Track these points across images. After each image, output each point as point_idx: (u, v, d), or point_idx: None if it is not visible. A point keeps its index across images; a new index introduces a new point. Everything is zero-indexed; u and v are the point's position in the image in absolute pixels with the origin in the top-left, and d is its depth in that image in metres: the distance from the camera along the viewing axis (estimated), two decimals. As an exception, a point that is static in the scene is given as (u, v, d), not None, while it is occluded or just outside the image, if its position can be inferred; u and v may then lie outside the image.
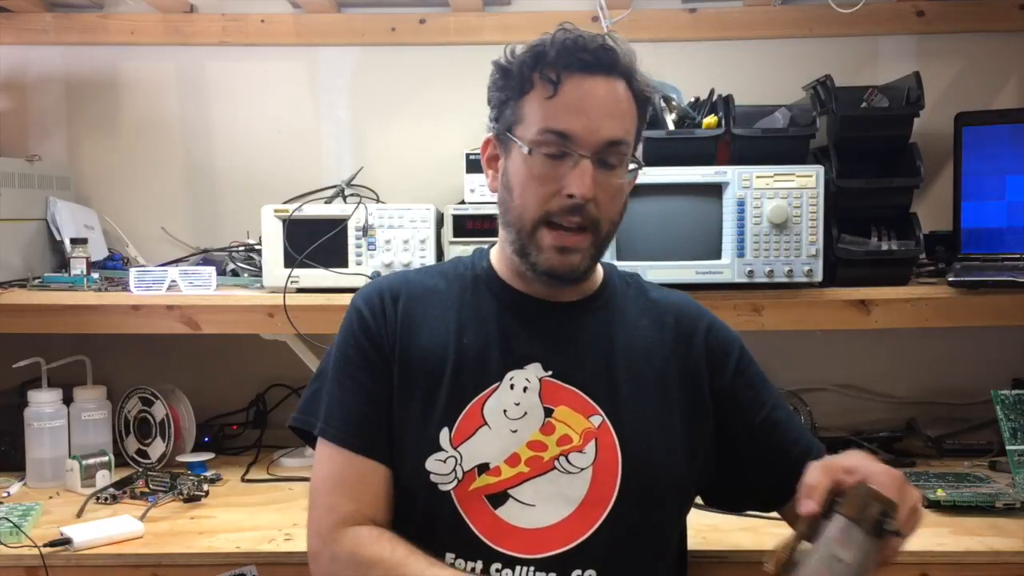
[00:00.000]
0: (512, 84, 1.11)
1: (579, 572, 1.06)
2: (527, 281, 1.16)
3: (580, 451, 1.09)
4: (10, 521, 1.45)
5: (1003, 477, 1.69)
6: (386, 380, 1.13)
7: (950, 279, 1.68)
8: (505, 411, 1.10)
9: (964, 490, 1.60)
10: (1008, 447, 1.61)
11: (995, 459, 1.79)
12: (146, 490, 1.68)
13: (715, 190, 1.65)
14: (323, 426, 1.13)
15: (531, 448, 1.09)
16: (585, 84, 1.08)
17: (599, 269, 1.22)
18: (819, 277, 1.65)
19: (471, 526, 1.08)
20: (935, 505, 1.56)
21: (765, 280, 1.65)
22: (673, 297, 1.25)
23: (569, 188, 1.07)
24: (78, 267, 1.80)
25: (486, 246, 1.24)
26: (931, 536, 1.45)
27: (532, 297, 1.17)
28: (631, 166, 1.13)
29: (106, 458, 1.74)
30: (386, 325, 1.15)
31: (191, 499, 1.63)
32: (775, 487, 1.16)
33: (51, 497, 1.69)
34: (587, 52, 1.08)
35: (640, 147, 1.19)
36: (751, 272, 1.65)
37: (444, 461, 1.08)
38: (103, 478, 1.71)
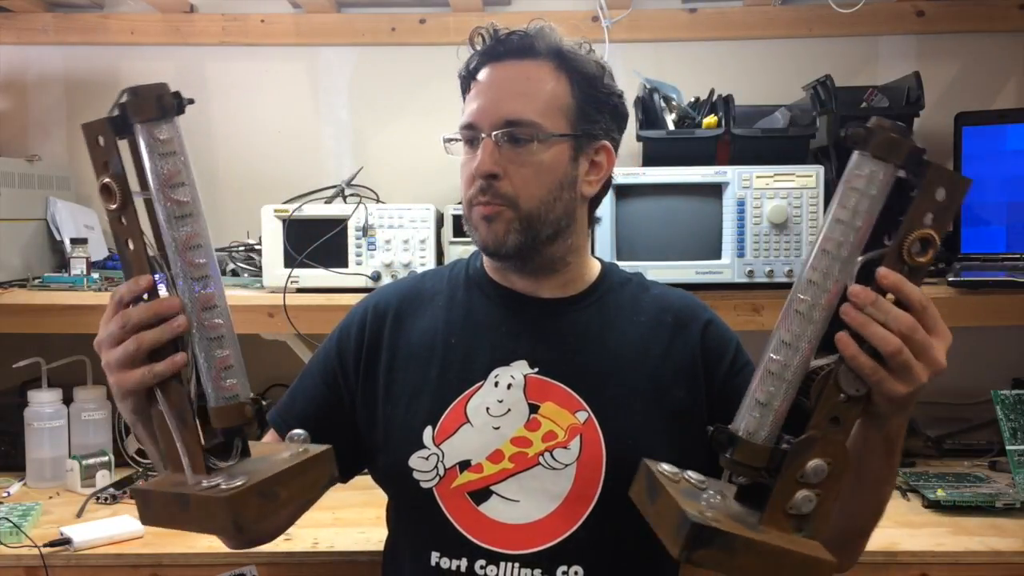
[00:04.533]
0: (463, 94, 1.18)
1: (564, 568, 1.06)
2: (508, 277, 1.18)
3: (565, 447, 1.09)
4: (10, 521, 1.45)
5: (1003, 477, 1.69)
6: (338, 390, 1.17)
7: (950, 279, 1.67)
8: (488, 409, 1.11)
9: (964, 490, 1.60)
10: (1008, 447, 1.62)
11: (995, 459, 1.79)
12: (146, 490, 1.68)
13: (715, 190, 1.65)
14: (272, 409, 1.19)
15: (515, 444, 1.10)
16: (492, 72, 1.13)
17: (594, 265, 1.22)
18: (819, 277, 1.65)
19: (454, 523, 1.08)
20: (935, 505, 1.56)
21: (765, 280, 1.65)
22: (674, 295, 1.23)
23: (473, 169, 1.10)
24: (78, 267, 1.79)
25: None
26: (931, 536, 1.45)
27: (521, 294, 1.17)
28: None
29: (106, 458, 1.74)
30: (362, 340, 1.18)
31: (191, 499, 1.63)
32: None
33: (51, 497, 1.69)
34: (500, 43, 1.12)
35: (585, 118, 1.13)
36: (751, 272, 1.65)
37: (426, 459, 1.10)
38: (103, 478, 1.71)
